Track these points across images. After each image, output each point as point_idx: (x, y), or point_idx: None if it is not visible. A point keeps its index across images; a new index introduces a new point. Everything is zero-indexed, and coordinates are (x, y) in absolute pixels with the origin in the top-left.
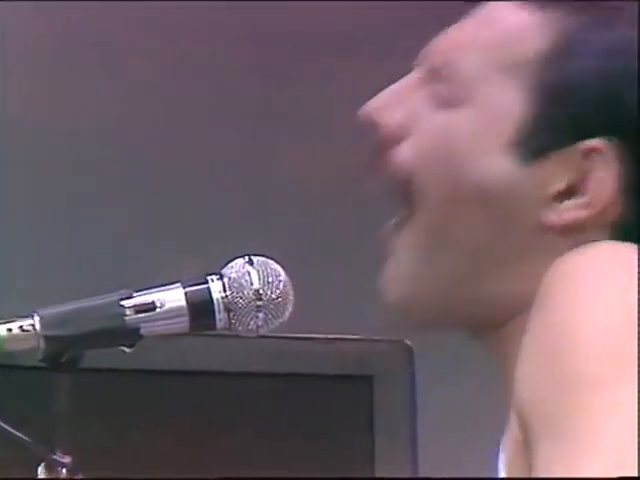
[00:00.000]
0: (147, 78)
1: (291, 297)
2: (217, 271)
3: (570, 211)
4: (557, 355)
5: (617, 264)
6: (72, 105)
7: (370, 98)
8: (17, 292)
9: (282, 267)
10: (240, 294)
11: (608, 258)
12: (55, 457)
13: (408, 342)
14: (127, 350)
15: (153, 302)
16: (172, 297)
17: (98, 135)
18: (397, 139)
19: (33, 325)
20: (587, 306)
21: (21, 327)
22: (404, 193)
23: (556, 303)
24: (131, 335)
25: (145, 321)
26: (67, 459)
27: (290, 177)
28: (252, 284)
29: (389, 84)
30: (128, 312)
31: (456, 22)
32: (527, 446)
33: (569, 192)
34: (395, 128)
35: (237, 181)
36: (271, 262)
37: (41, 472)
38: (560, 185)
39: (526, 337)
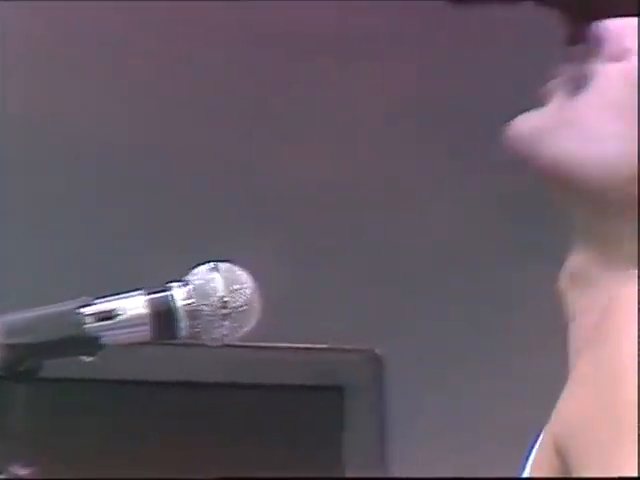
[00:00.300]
0: (147, 78)
1: (257, 305)
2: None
3: None
4: (607, 391)
5: None
6: (72, 105)
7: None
8: (17, 292)
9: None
10: (204, 302)
11: None
12: (14, 469)
13: (378, 351)
14: (88, 359)
15: (114, 310)
16: (134, 305)
17: (98, 135)
18: (617, 58)
19: None
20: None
21: None
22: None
23: (609, 339)
24: (91, 344)
25: (106, 329)
26: (26, 471)
27: (277, 180)
28: (217, 291)
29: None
30: (88, 320)
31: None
32: (563, 466)
33: None
34: (623, 49)
35: (233, 181)
36: (237, 269)
37: None
38: None
39: (576, 370)
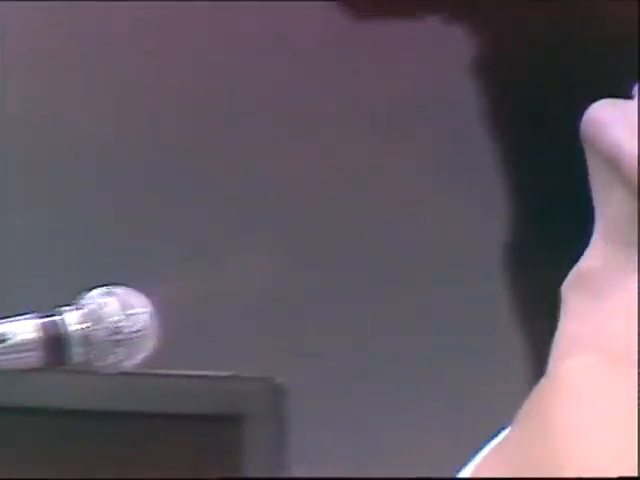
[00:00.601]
0: (147, 78)
1: (155, 330)
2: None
3: None
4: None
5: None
6: (72, 105)
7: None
8: (17, 293)
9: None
10: (98, 326)
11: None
12: None
13: (278, 380)
14: None
15: (3, 334)
16: (24, 328)
17: (98, 135)
18: None
19: None
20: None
21: None
22: None
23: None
24: None
25: None
26: None
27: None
28: (111, 316)
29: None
30: None
31: None
32: None
33: None
34: None
35: (233, 181)
36: (133, 292)
37: None
38: None
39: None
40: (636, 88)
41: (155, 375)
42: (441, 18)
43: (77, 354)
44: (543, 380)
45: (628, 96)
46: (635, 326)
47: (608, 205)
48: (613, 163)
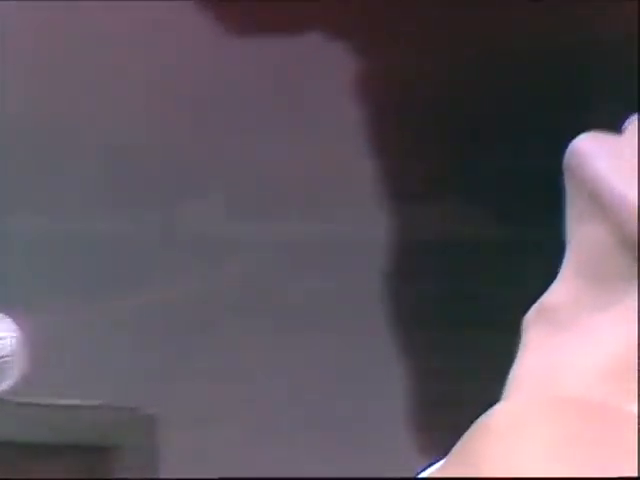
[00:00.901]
0: (148, 78)
1: (22, 357)
2: None
3: None
4: None
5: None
6: (72, 105)
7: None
8: (16, 293)
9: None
10: None
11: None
12: None
13: (149, 411)
14: None
15: None
16: None
17: (98, 136)
18: None
19: None
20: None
21: None
22: None
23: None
24: None
25: None
26: None
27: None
28: None
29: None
30: None
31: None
32: None
33: None
34: None
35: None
36: (1, 316)
37: None
38: None
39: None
40: (627, 121)
41: (22, 404)
42: (322, 35)
43: None
44: (482, 417)
45: (619, 127)
46: (592, 366)
47: (584, 238)
48: (594, 196)
